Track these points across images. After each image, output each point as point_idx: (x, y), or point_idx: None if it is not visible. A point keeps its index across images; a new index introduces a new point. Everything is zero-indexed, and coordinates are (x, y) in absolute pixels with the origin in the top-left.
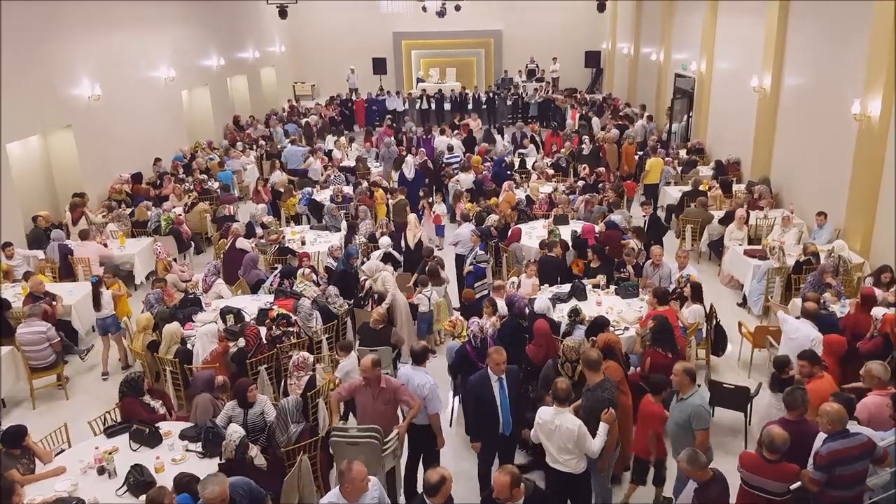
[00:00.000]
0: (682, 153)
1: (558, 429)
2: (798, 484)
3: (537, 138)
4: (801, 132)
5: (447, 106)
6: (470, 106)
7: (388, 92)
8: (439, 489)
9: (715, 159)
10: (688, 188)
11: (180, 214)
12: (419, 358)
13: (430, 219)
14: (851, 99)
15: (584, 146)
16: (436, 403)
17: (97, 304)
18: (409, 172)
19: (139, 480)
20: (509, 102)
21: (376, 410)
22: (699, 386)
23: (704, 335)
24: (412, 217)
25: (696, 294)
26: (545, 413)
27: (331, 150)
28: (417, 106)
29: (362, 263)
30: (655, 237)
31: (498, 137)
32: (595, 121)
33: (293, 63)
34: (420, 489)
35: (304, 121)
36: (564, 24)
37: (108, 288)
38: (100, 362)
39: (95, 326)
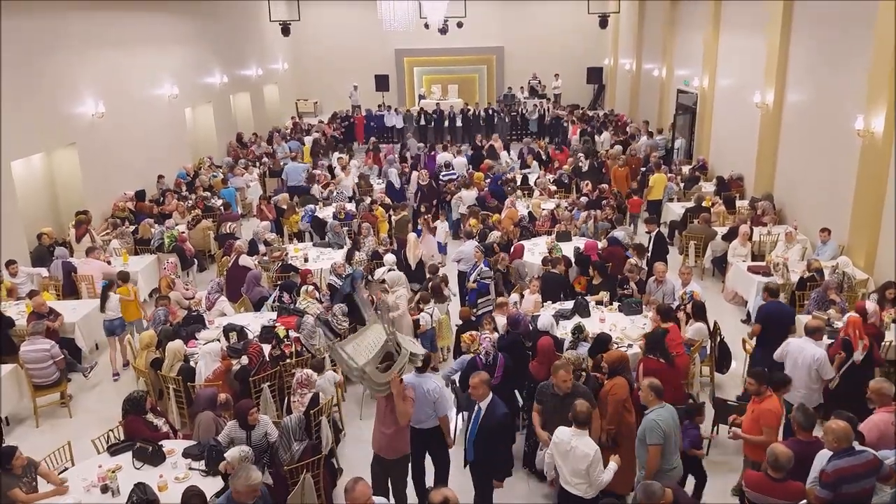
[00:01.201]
0: (685, 169)
1: (573, 450)
2: (804, 502)
3: (543, 155)
4: (804, 148)
5: (447, 122)
6: (462, 122)
7: (389, 107)
8: None
9: (717, 175)
10: (691, 204)
11: (184, 232)
12: (423, 365)
13: (428, 234)
14: (854, 114)
15: (581, 164)
16: (445, 406)
17: (102, 306)
18: (397, 182)
19: (142, 499)
20: (507, 120)
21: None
22: (663, 406)
23: (709, 352)
24: (412, 236)
25: (700, 312)
26: (562, 433)
27: (332, 167)
28: (416, 122)
29: (367, 283)
30: (660, 255)
31: (503, 154)
32: (605, 135)
33: (296, 80)
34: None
35: (309, 138)
36: (566, 40)
37: (116, 292)
38: (103, 380)
39: (103, 327)
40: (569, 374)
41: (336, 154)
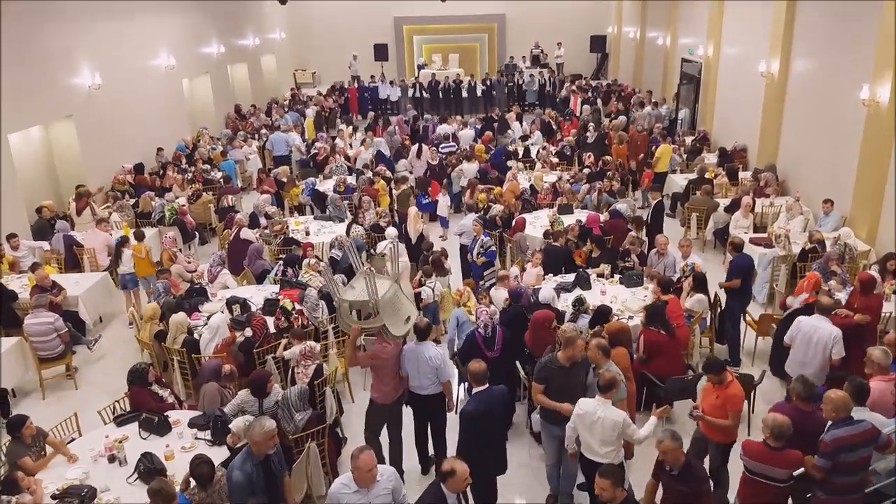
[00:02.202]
0: (689, 140)
1: (601, 421)
2: (802, 470)
3: (554, 125)
4: (809, 118)
5: (441, 94)
6: (454, 94)
7: (383, 78)
8: (448, 477)
9: (719, 146)
10: (693, 176)
11: (184, 205)
12: (423, 334)
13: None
14: (860, 84)
15: (589, 133)
16: (447, 372)
17: (116, 262)
18: (387, 151)
19: (149, 468)
20: (505, 91)
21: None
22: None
23: (709, 323)
24: (413, 210)
25: (700, 284)
26: (586, 404)
27: (334, 138)
28: (411, 94)
29: (368, 257)
30: (657, 224)
31: (515, 125)
32: (611, 104)
33: (294, 50)
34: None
35: (311, 110)
36: (569, 7)
37: (128, 248)
38: (107, 353)
39: (118, 280)
40: (583, 344)
41: (340, 126)
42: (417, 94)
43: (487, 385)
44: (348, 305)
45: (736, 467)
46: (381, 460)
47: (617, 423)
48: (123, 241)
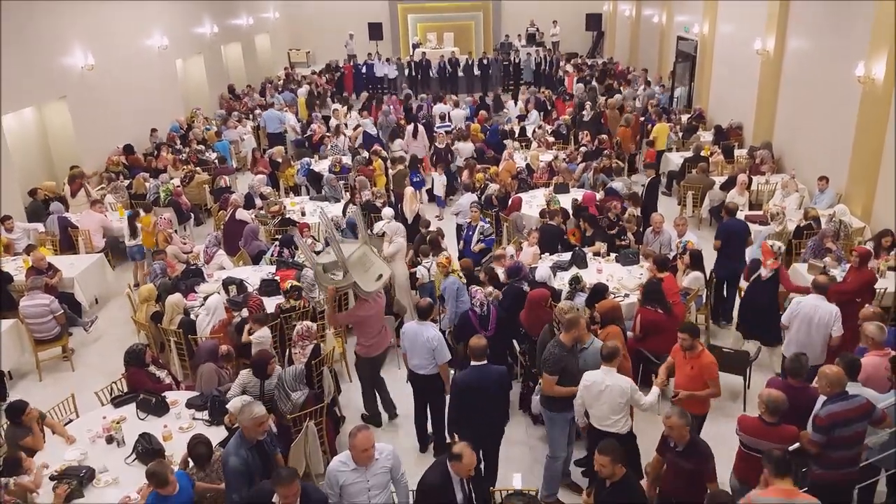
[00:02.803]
0: (684, 119)
1: (609, 389)
2: (797, 445)
3: (549, 104)
4: (805, 96)
5: (436, 73)
6: (450, 73)
7: (379, 56)
8: (454, 459)
9: (715, 124)
10: (689, 154)
11: (179, 186)
12: (425, 314)
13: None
14: (856, 61)
15: (585, 112)
16: (444, 354)
17: (133, 233)
18: (372, 130)
19: (148, 448)
20: (500, 70)
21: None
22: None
23: (704, 301)
24: (409, 190)
25: (696, 261)
26: (593, 375)
27: (328, 118)
28: (406, 73)
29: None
30: (651, 203)
31: (511, 104)
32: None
33: (287, 29)
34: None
35: (302, 90)
36: None
37: (138, 222)
38: (104, 335)
39: (127, 252)
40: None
41: (334, 106)
42: (413, 73)
43: (486, 362)
44: (322, 268)
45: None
46: (376, 411)
47: (625, 389)
48: (136, 215)
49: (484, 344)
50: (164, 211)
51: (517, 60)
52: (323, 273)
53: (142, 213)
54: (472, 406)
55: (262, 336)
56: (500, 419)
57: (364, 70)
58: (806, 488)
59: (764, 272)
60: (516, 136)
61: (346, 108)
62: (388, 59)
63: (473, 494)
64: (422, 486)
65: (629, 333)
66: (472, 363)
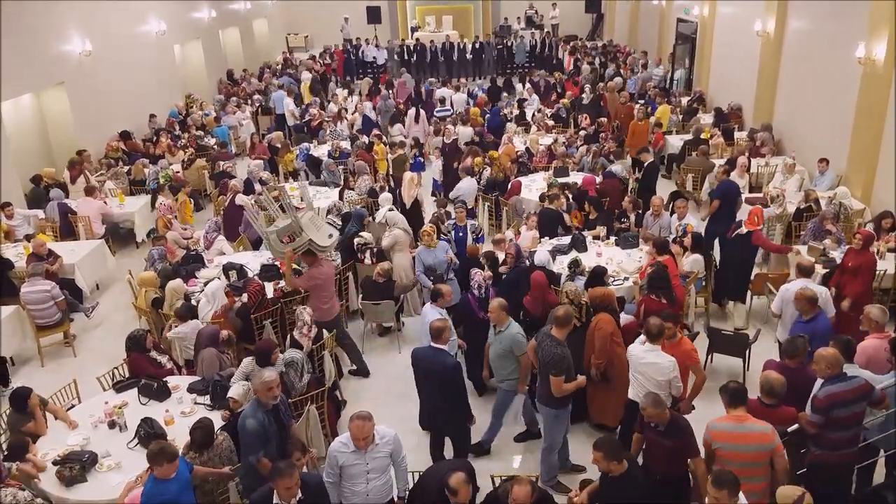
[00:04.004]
0: (684, 101)
1: (653, 366)
2: (796, 427)
3: (559, 87)
4: (805, 77)
5: (430, 57)
6: (444, 56)
7: (367, 41)
8: (451, 493)
9: (715, 107)
10: (689, 136)
11: (178, 171)
12: (435, 297)
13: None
14: (856, 42)
15: (584, 95)
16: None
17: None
18: (372, 115)
19: (150, 433)
20: (495, 53)
21: None
22: (511, 322)
23: (704, 283)
24: (408, 175)
25: (697, 244)
26: (636, 349)
27: (324, 105)
28: (399, 57)
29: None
30: (648, 184)
31: (518, 87)
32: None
33: (285, 14)
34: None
35: (306, 75)
36: None
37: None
38: (105, 320)
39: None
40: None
41: (334, 91)
42: (405, 57)
43: (443, 347)
44: (276, 236)
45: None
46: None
47: (667, 369)
48: (159, 188)
49: (439, 326)
50: (165, 199)
51: (510, 44)
52: (278, 242)
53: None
54: (422, 384)
55: (182, 332)
56: (448, 409)
57: (353, 54)
58: (805, 469)
59: (744, 230)
60: (513, 119)
61: (346, 91)
62: (377, 44)
63: None
64: (416, 487)
65: (629, 317)
66: (430, 343)
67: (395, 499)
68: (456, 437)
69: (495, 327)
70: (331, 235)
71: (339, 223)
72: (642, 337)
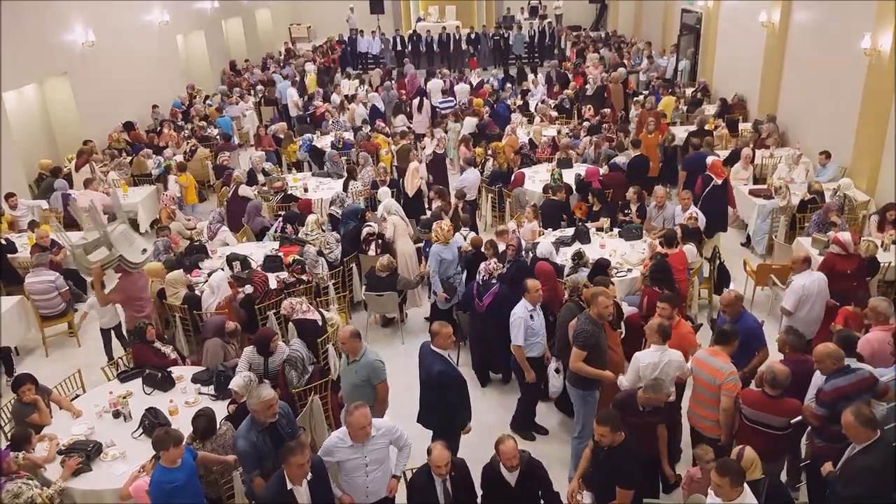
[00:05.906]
0: (689, 92)
1: (668, 363)
2: (799, 418)
3: (570, 76)
4: (810, 68)
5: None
6: (440, 46)
7: (361, 32)
8: (428, 454)
9: (720, 98)
10: (693, 127)
11: (181, 162)
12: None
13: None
14: (861, 33)
15: (588, 86)
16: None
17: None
18: (381, 105)
19: (154, 422)
20: (490, 44)
21: None
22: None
23: (706, 274)
24: (412, 165)
25: (688, 235)
26: (648, 356)
27: (327, 96)
28: (393, 48)
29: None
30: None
31: (531, 76)
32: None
33: (288, 3)
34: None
35: (311, 66)
36: None
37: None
38: None
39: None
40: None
41: (338, 81)
42: (399, 48)
43: (437, 352)
44: (83, 250)
45: None
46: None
47: (681, 362)
48: (168, 171)
49: (440, 331)
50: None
51: (507, 35)
52: (84, 257)
53: (177, 171)
54: (420, 379)
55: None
56: (434, 412)
57: (350, 46)
58: (808, 461)
59: (717, 182)
60: (516, 110)
61: (357, 82)
62: (372, 32)
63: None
64: (409, 488)
65: (632, 309)
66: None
67: (392, 476)
68: (444, 438)
69: (348, 357)
70: (144, 251)
71: (339, 213)
72: (649, 350)
